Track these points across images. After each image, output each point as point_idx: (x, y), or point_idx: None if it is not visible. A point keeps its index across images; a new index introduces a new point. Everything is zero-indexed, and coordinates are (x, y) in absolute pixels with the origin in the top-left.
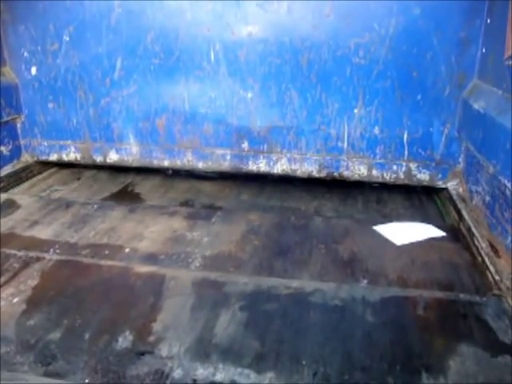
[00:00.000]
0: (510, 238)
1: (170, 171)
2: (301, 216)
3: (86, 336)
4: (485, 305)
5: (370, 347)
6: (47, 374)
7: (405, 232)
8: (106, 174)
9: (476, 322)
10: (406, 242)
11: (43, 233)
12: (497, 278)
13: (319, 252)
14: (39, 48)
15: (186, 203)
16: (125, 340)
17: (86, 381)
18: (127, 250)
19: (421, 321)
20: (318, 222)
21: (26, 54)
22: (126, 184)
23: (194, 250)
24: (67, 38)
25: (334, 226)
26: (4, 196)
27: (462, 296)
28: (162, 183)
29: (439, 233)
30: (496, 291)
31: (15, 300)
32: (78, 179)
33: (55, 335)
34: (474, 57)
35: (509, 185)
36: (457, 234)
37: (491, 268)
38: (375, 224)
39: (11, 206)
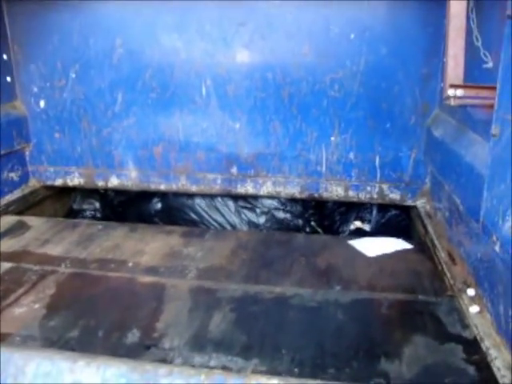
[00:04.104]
0: (462, 249)
1: None
2: (283, 233)
3: (100, 334)
4: (439, 304)
5: (340, 338)
6: None
7: (376, 245)
8: None
9: (430, 318)
10: (377, 253)
11: (54, 250)
12: (452, 281)
13: (299, 264)
14: (48, 84)
15: None
16: (133, 336)
17: None
18: (130, 264)
19: (384, 318)
20: (299, 238)
21: (35, 89)
22: None
23: (189, 264)
24: (73, 75)
25: (313, 240)
26: (15, 218)
27: (420, 297)
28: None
29: (407, 245)
30: (450, 293)
31: (36, 306)
32: None
33: (74, 333)
34: (435, 90)
35: (459, 202)
36: (423, 246)
37: (448, 274)
38: (350, 239)
39: (22, 226)
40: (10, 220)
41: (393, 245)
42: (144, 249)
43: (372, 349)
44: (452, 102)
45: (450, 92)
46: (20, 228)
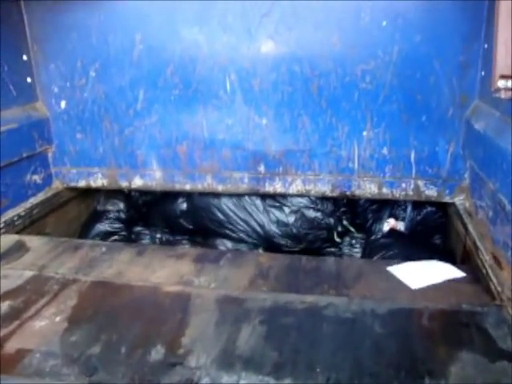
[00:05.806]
0: (510, 252)
1: None
2: (312, 258)
3: (123, 350)
4: (486, 314)
5: (378, 355)
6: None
7: (421, 273)
8: None
9: (476, 331)
10: (422, 285)
11: None
12: (499, 289)
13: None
14: (68, 84)
15: None
16: (157, 353)
17: None
18: None
19: (425, 330)
20: (329, 264)
21: (56, 89)
22: None
23: None
24: (93, 74)
25: (346, 268)
26: (14, 238)
27: (464, 306)
28: None
29: (458, 273)
30: (497, 301)
31: (57, 319)
32: None
33: (95, 350)
34: (474, 79)
35: (506, 202)
36: (477, 274)
37: (494, 279)
38: (389, 264)
39: (21, 248)
40: (8, 240)
41: (441, 273)
42: (150, 278)
43: (414, 367)
44: (503, 95)
45: (501, 83)
46: (18, 250)
